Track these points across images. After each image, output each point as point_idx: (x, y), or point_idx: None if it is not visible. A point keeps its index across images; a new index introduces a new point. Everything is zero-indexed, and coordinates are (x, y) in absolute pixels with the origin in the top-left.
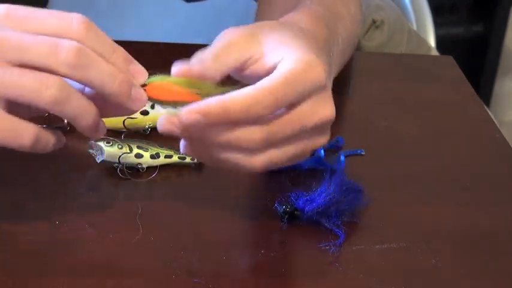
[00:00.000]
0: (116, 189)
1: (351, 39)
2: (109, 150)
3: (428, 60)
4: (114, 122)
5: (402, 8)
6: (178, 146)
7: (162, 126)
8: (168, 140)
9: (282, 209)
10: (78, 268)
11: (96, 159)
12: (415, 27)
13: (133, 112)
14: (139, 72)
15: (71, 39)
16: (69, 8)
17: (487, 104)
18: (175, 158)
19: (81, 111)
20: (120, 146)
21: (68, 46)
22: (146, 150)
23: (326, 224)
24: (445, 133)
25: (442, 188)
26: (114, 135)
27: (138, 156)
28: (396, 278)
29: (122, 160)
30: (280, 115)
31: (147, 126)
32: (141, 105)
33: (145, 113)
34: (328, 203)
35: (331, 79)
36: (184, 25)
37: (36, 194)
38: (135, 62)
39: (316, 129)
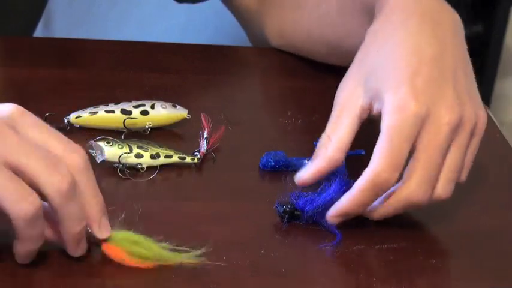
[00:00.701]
0: (116, 189)
1: None
2: (109, 150)
3: None
4: (114, 122)
5: None
6: (178, 146)
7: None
8: (168, 140)
9: (282, 209)
10: (78, 268)
11: (96, 159)
12: None
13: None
14: (106, 228)
15: (67, 168)
16: (69, 7)
17: (487, 104)
18: (175, 158)
19: (39, 237)
20: (120, 146)
21: (64, 173)
22: (146, 150)
23: (325, 224)
24: None
25: None
26: (114, 135)
27: (138, 156)
28: (396, 278)
29: (122, 160)
30: (417, 161)
31: (147, 126)
32: (80, 253)
33: (145, 113)
34: (328, 203)
35: (443, 76)
36: (184, 25)
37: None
38: (106, 215)
39: (454, 133)
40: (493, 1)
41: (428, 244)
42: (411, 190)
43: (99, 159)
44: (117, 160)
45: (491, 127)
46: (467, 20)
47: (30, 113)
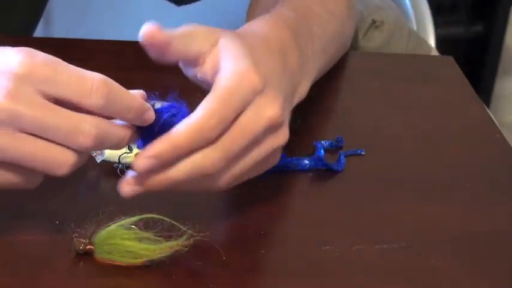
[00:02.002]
0: (116, 189)
1: (332, 37)
2: (109, 150)
3: (428, 60)
4: None
5: (402, 8)
6: None
7: (124, 193)
8: None
9: None
10: (78, 268)
11: (96, 159)
12: (415, 27)
13: None
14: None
15: (90, 107)
16: (69, 7)
17: (487, 104)
18: None
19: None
20: None
21: (88, 131)
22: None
23: None
24: (445, 133)
25: (442, 188)
26: None
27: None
28: (396, 278)
29: (122, 160)
30: (228, 130)
31: None
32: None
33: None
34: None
35: (280, 79)
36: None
37: (36, 194)
38: (147, 107)
39: (268, 132)
40: (493, 1)
41: (429, 244)
42: (205, 156)
43: (99, 159)
44: (117, 160)
45: (491, 127)
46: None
47: (35, 64)
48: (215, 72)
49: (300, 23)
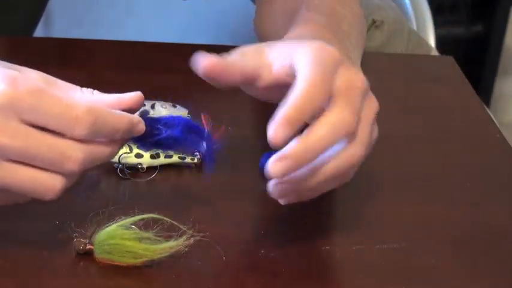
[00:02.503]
0: (116, 189)
1: (359, 34)
2: None
3: (428, 60)
4: None
5: (402, 8)
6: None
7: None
8: None
9: None
10: (79, 268)
11: None
12: (415, 27)
13: None
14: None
15: (75, 138)
16: (69, 7)
17: (487, 104)
18: (175, 158)
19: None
20: None
21: (75, 156)
22: (146, 150)
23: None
24: (445, 133)
25: (442, 188)
26: None
27: (138, 156)
28: (396, 278)
29: (122, 160)
30: (337, 96)
31: None
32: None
33: (146, 113)
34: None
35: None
36: (184, 25)
37: None
38: (135, 122)
39: (365, 97)
40: (493, 1)
41: (428, 244)
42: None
43: None
44: (117, 160)
45: (491, 127)
46: (467, 20)
47: (19, 93)
48: (281, 72)
49: (333, 24)
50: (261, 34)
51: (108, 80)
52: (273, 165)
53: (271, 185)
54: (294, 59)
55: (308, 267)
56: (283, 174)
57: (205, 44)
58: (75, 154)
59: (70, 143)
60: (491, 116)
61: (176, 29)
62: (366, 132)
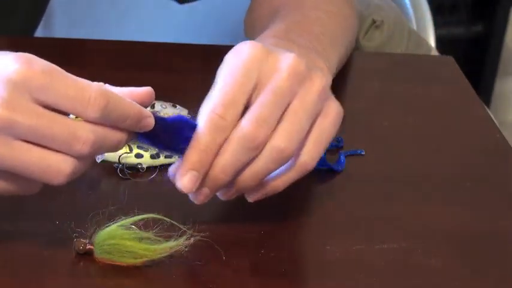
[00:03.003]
0: (116, 189)
1: (338, 33)
2: None
3: (428, 60)
4: None
5: (402, 8)
6: None
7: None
8: None
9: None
10: (79, 268)
11: (96, 159)
12: (415, 27)
13: None
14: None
15: (86, 119)
16: (69, 7)
17: (487, 104)
18: (175, 158)
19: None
20: None
21: (85, 137)
22: (146, 150)
23: None
24: (445, 133)
25: (442, 188)
26: None
27: (138, 156)
28: (396, 278)
29: (122, 160)
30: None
31: None
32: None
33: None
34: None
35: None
36: (184, 25)
37: (36, 194)
38: (146, 114)
39: (296, 83)
40: (493, 1)
41: (428, 244)
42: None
43: (99, 159)
44: (117, 160)
45: (491, 127)
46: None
47: (32, 71)
48: None
49: (296, 30)
50: (248, 32)
51: (108, 80)
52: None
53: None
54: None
55: (308, 267)
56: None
57: (205, 44)
58: (86, 135)
59: (81, 123)
60: (491, 116)
61: (176, 29)
62: (294, 124)
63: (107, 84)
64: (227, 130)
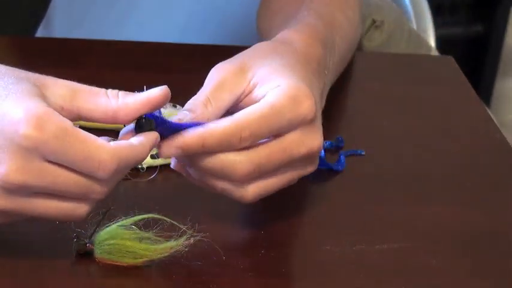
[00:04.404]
0: (116, 189)
1: (350, 46)
2: None
3: (428, 60)
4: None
5: (402, 8)
6: None
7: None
8: None
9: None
10: (79, 268)
11: None
12: (415, 27)
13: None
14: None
15: (98, 179)
16: (69, 7)
17: (487, 104)
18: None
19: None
20: None
21: (99, 190)
22: None
23: None
24: (445, 133)
25: (442, 188)
26: (114, 135)
27: None
28: (396, 278)
29: None
30: (268, 145)
31: None
32: None
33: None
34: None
35: (322, 104)
36: (184, 25)
37: None
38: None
39: (303, 160)
40: (493, 1)
41: (428, 244)
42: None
43: None
44: None
45: (491, 127)
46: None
47: (44, 138)
48: (261, 99)
49: (328, 34)
50: (261, 31)
51: (108, 80)
52: (165, 149)
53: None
54: (270, 92)
55: (308, 267)
56: (170, 157)
57: (205, 44)
58: (101, 188)
59: (94, 184)
60: (491, 116)
61: (176, 29)
62: (272, 160)
63: (121, 93)
64: (232, 149)
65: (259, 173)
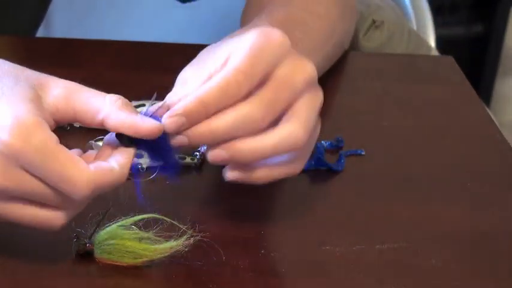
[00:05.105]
0: (116, 189)
1: (321, 38)
2: None
3: (428, 60)
4: None
5: (402, 8)
6: None
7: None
8: None
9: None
10: (79, 268)
11: None
12: (415, 27)
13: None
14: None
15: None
16: (69, 7)
17: (487, 104)
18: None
19: None
20: None
21: (78, 199)
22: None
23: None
24: (445, 133)
25: (442, 188)
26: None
27: (138, 156)
28: (396, 278)
29: None
30: (266, 86)
31: None
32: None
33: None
34: None
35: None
36: (184, 25)
37: None
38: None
39: (307, 88)
40: (493, 1)
41: (428, 244)
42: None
43: None
44: None
45: (491, 127)
46: (467, 20)
47: (25, 148)
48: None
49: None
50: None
51: (108, 80)
52: (167, 121)
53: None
54: (232, 49)
55: (308, 267)
56: (177, 130)
57: (205, 44)
58: (75, 205)
59: (72, 188)
60: (491, 116)
61: (176, 29)
62: (308, 116)
63: (119, 100)
64: (234, 99)
65: (274, 111)
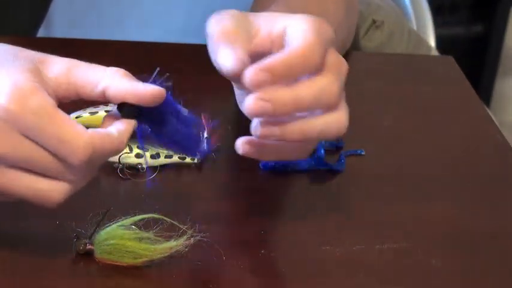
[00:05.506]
0: (116, 189)
1: (338, 28)
2: None
3: (428, 60)
4: None
5: (402, 8)
6: None
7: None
8: None
9: None
10: (79, 268)
11: None
12: (415, 27)
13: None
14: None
15: (68, 163)
16: (69, 7)
17: (487, 104)
18: (175, 158)
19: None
20: None
21: (76, 168)
22: (146, 150)
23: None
24: (445, 133)
25: (442, 188)
26: None
27: (138, 156)
28: (396, 278)
29: (122, 160)
30: (328, 68)
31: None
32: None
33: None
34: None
35: None
36: (184, 25)
37: None
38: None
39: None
40: (493, 1)
41: (428, 244)
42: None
43: None
44: (117, 160)
45: (491, 127)
46: (467, 20)
47: (23, 113)
48: (275, 36)
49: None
50: None
51: None
52: (251, 74)
53: (255, 123)
54: (288, 26)
55: (308, 267)
56: (258, 85)
57: (205, 44)
58: (75, 174)
59: (70, 155)
60: (491, 116)
61: (176, 29)
62: (346, 110)
63: (119, 72)
64: (314, 69)
65: (341, 88)
